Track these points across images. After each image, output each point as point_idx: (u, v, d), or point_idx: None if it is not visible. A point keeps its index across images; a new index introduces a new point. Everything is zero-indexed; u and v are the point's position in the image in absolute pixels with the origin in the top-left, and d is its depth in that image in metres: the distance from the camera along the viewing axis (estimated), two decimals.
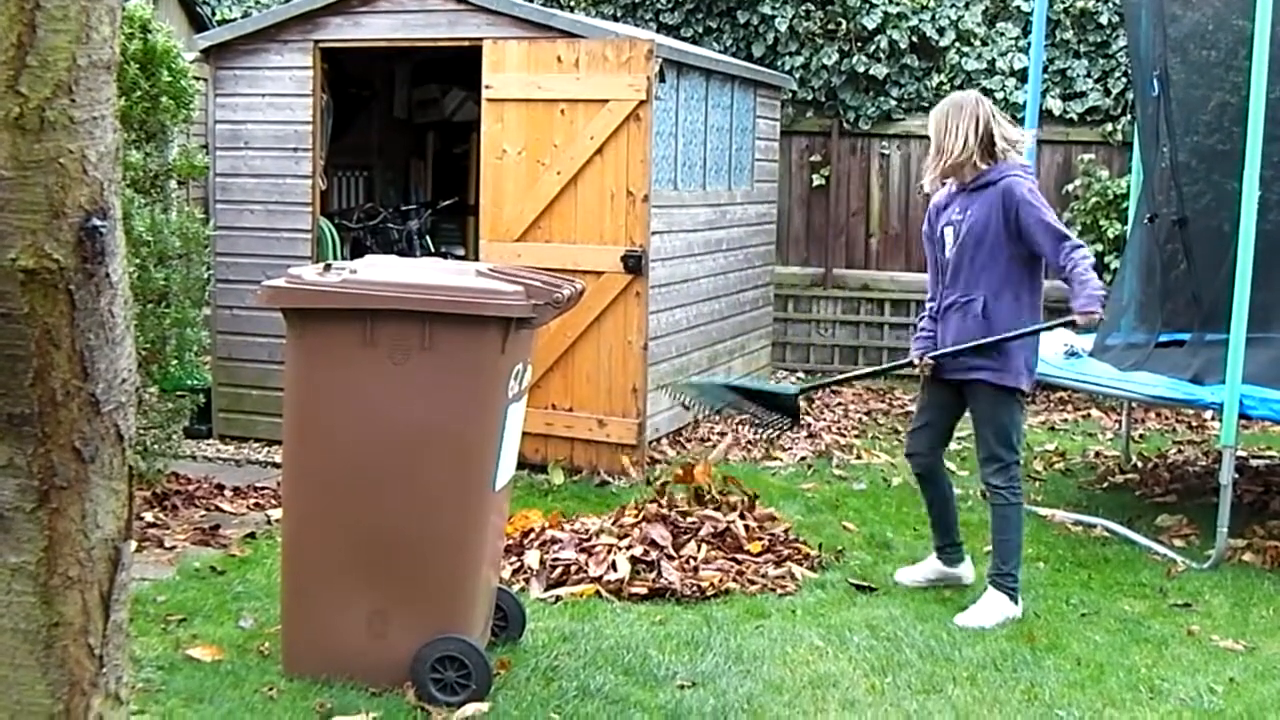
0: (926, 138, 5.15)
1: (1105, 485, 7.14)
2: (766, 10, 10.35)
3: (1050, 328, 5.18)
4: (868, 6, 10.21)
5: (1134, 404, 7.72)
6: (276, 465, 6.87)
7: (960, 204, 5.01)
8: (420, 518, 4.04)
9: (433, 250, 9.80)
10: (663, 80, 7.05)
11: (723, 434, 8.06)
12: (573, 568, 5.21)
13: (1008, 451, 4.97)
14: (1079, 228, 9.51)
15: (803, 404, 5.52)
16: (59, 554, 2.19)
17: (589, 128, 6.82)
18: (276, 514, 5.91)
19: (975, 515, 6.42)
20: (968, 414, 5.11)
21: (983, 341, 4.90)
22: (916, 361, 5.13)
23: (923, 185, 5.27)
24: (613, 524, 5.54)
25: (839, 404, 9.20)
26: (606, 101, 6.77)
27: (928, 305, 5.18)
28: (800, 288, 10.47)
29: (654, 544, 5.33)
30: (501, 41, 6.97)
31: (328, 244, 8.12)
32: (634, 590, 5.08)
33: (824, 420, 8.62)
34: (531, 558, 5.28)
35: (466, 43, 7.19)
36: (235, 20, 9.80)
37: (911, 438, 5.38)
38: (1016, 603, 4.98)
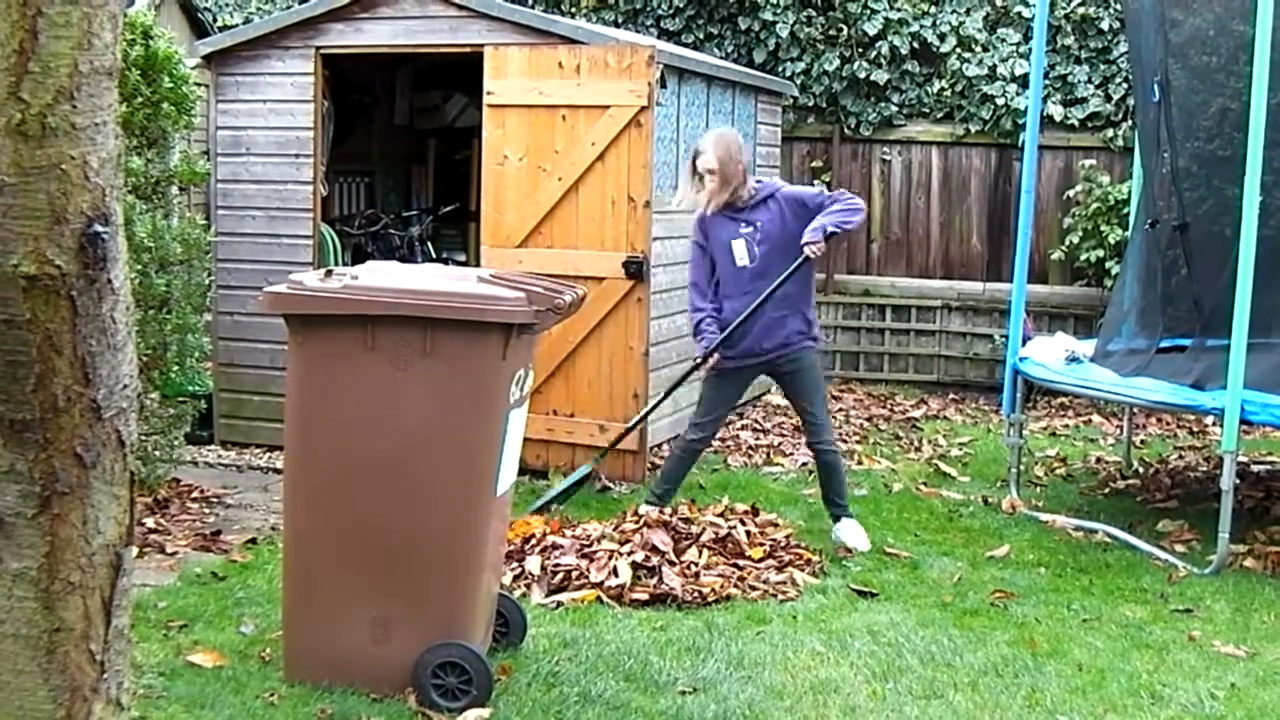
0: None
1: (1106, 491, 7.14)
2: (768, 16, 10.36)
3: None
4: (869, 12, 10.22)
5: (1135, 409, 7.71)
6: (278, 471, 6.87)
7: (745, 218, 5.79)
8: (422, 523, 4.04)
9: (434, 256, 9.81)
10: (664, 86, 7.06)
11: (722, 439, 8.06)
12: (574, 573, 5.21)
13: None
14: (1080, 233, 9.51)
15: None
16: (60, 559, 2.19)
17: (590, 134, 6.83)
18: (278, 519, 5.90)
19: (976, 521, 6.43)
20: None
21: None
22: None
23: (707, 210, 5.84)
24: (614, 530, 5.54)
25: (840, 410, 9.19)
26: (608, 107, 6.77)
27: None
28: None
29: (655, 550, 5.33)
30: (503, 48, 6.97)
31: (329, 250, 8.13)
32: (635, 596, 5.08)
33: None
34: (533, 563, 5.28)
35: (468, 49, 7.20)
36: (237, 26, 9.82)
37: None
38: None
